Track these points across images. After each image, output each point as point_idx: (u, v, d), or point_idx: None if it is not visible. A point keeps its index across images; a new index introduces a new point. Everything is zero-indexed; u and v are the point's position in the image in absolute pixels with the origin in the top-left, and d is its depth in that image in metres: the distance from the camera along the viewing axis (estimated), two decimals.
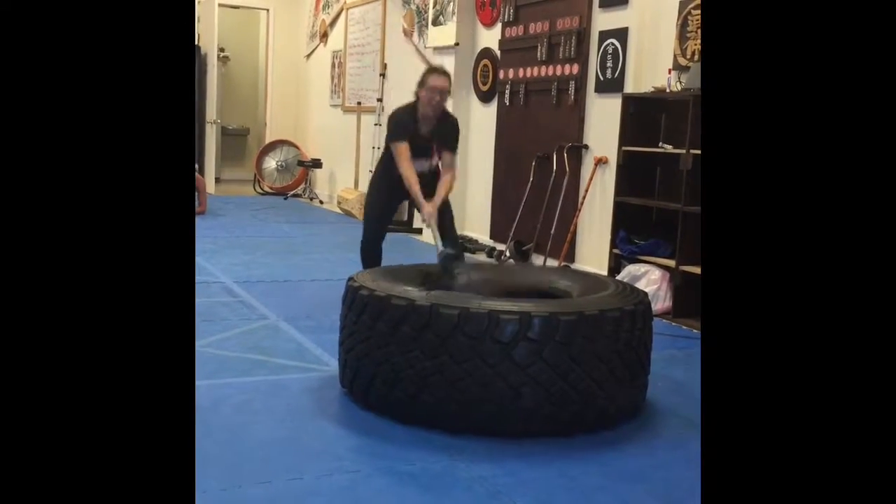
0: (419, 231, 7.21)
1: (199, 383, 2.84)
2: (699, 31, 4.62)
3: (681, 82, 4.59)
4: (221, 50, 11.11)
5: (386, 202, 4.33)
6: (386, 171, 4.20)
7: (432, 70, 4.21)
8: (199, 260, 5.41)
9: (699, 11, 4.63)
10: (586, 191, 5.51)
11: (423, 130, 4.10)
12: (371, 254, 4.28)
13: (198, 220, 7.22)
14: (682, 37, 4.75)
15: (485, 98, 6.74)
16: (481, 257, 6.25)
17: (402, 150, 4.02)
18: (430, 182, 4.13)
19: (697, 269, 4.31)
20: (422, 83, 4.08)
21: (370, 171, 8.58)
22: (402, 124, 4.09)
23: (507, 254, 6.02)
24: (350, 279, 2.91)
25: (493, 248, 6.31)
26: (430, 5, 7.23)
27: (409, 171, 3.99)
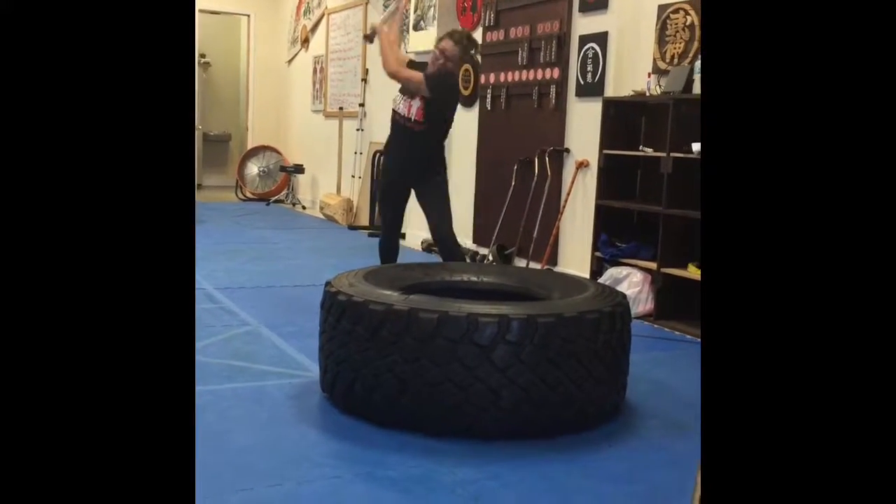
0: (402, 236, 7.20)
1: None
2: (678, 34, 4.65)
3: (660, 86, 4.61)
4: (202, 56, 11.09)
5: (394, 181, 4.36)
6: (394, 146, 4.29)
7: (448, 33, 4.31)
8: None
9: (678, 15, 4.66)
10: (568, 194, 5.52)
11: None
12: (385, 248, 4.35)
13: None
14: (662, 41, 4.78)
15: (466, 103, 6.74)
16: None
17: (404, 64, 4.21)
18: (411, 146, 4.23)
19: (679, 272, 4.33)
20: (438, 40, 4.27)
21: (353, 175, 8.62)
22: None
23: (490, 258, 6.02)
24: (327, 284, 2.90)
25: (476, 253, 6.31)
26: (412, 10, 7.24)
27: (394, 55, 4.16)
